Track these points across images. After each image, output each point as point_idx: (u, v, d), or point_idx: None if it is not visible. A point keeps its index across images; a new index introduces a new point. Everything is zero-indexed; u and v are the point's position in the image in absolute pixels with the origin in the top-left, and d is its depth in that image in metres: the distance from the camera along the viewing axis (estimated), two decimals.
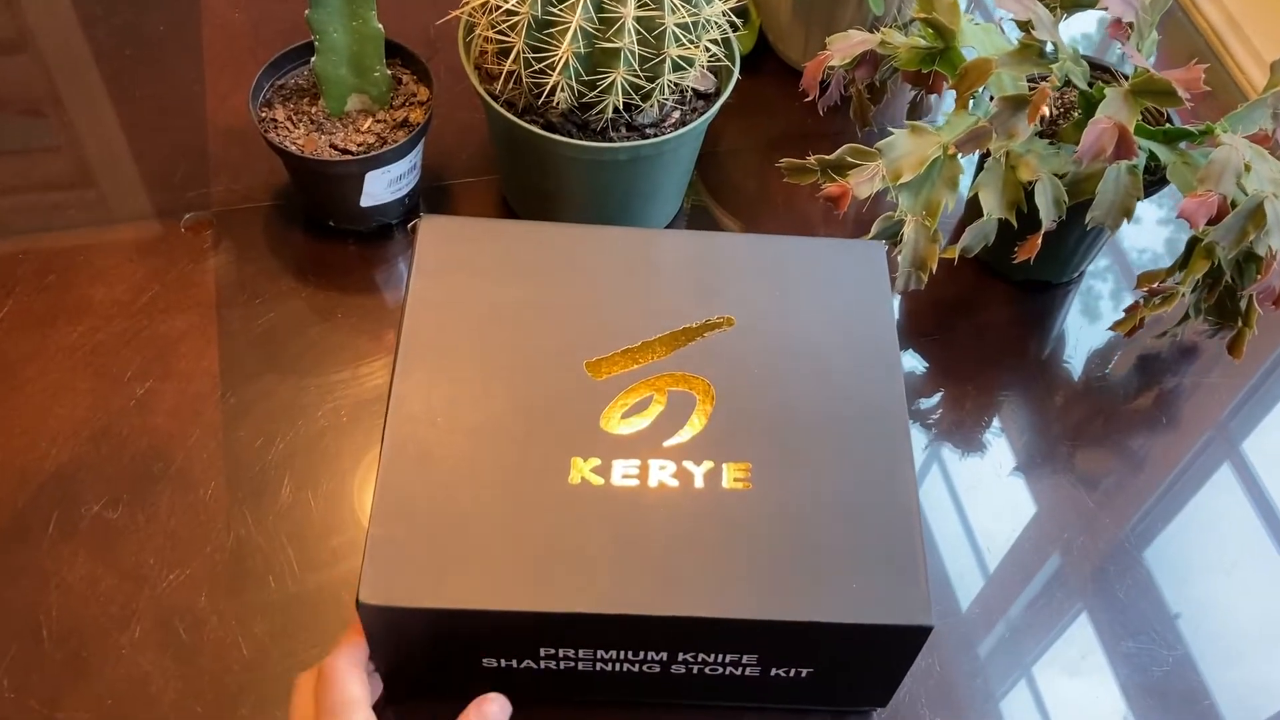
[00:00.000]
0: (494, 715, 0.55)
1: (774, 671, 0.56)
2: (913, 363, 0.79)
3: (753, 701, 0.61)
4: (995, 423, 0.76)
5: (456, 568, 0.52)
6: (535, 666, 0.56)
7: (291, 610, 0.64)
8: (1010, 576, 0.69)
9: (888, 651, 0.55)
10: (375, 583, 0.51)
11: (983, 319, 0.81)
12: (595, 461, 0.55)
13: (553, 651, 0.54)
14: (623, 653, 0.54)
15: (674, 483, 0.55)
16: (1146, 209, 0.90)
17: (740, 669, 0.56)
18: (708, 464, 0.56)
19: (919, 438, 0.75)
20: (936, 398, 0.78)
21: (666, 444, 0.56)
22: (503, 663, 0.55)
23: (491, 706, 0.55)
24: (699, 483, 0.55)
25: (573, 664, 0.55)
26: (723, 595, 0.52)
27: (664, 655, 0.55)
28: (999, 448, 0.75)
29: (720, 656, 0.55)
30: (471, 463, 0.55)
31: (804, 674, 0.56)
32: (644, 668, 0.56)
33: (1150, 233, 0.89)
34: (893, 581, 0.53)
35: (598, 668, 0.56)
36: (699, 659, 0.55)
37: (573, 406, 0.57)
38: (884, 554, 0.53)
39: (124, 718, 0.60)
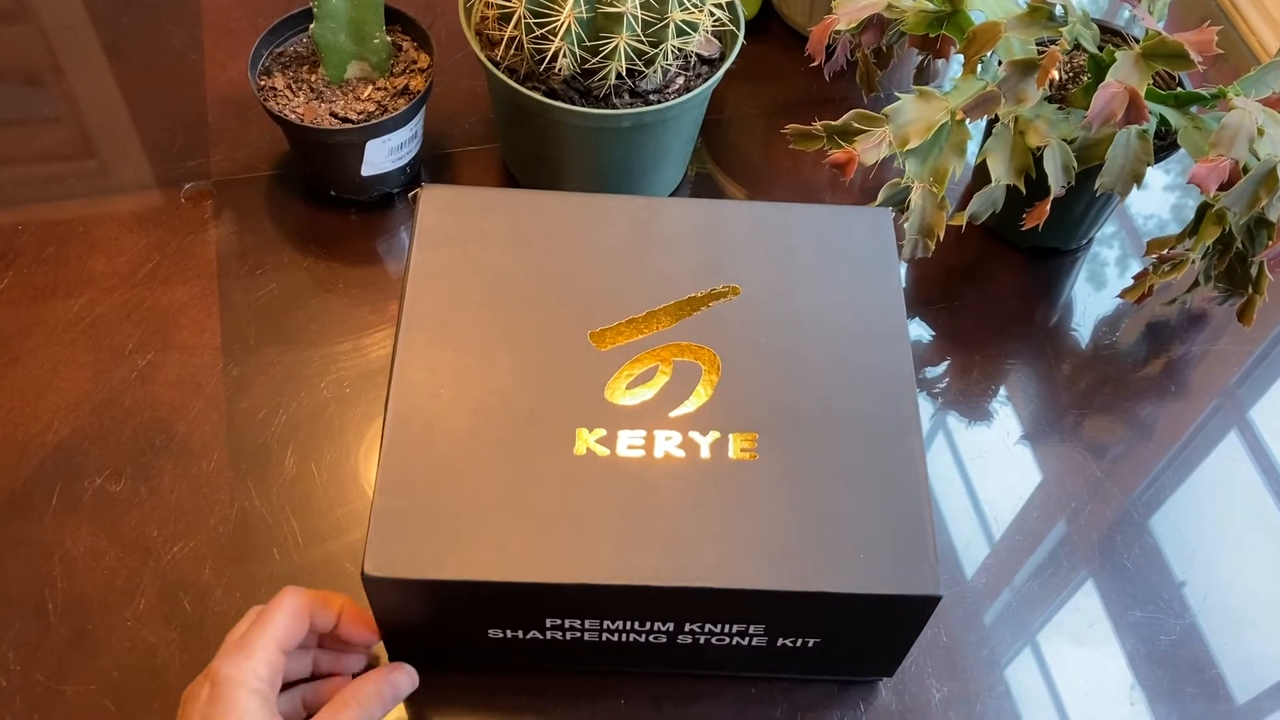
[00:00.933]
0: (402, 684, 0.55)
1: (781, 642, 0.56)
2: (919, 331, 0.78)
3: (759, 671, 0.61)
4: (1002, 391, 0.76)
5: (462, 540, 0.51)
6: (541, 637, 0.55)
7: (296, 581, 0.63)
8: (1017, 546, 0.69)
9: (895, 622, 0.55)
10: (380, 555, 0.51)
11: (990, 287, 0.81)
12: (600, 432, 0.55)
13: (559, 622, 0.54)
14: (629, 623, 0.54)
15: (680, 453, 0.54)
16: (1154, 174, 0.89)
17: (747, 639, 0.55)
18: (714, 434, 0.55)
19: (925, 406, 0.75)
20: (943, 366, 0.77)
21: (672, 414, 0.56)
22: (508, 634, 0.55)
23: (399, 675, 0.55)
24: (705, 453, 0.55)
25: (579, 634, 0.55)
26: (730, 566, 0.51)
27: (670, 626, 0.54)
28: (1006, 416, 0.75)
29: (727, 627, 0.54)
30: (476, 434, 0.54)
31: (811, 644, 0.56)
32: (650, 638, 0.55)
33: (1158, 199, 0.88)
34: (901, 551, 0.52)
35: (604, 639, 0.55)
36: (705, 629, 0.55)
37: (577, 377, 0.56)
38: (892, 524, 0.53)
39: (130, 690, 0.60)
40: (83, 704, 0.60)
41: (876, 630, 0.56)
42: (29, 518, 0.65)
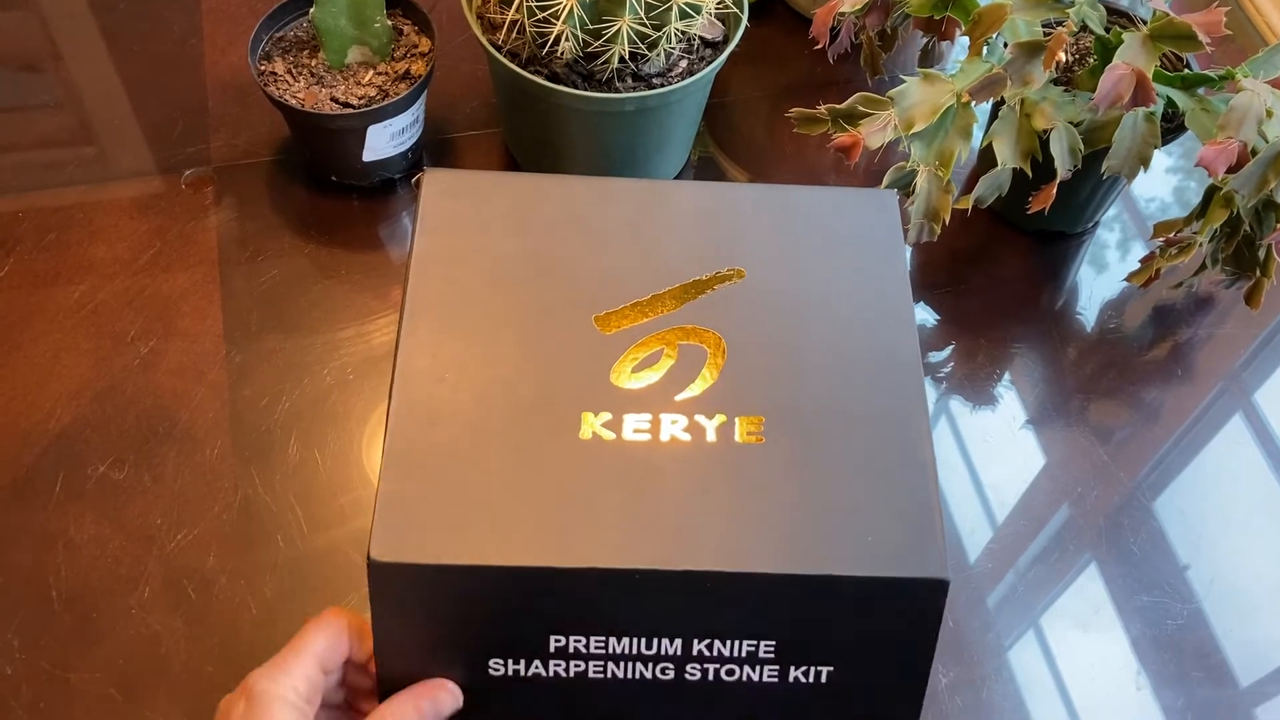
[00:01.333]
0: (445, 703, 0.53)
1: (793, 674, 0.55)
2: (924, 315, 0.78)
3: None
4: (1007, 375, 0.75)
5: (468, 524, 0.51)
6: (544, 673, 0.54)
7: (300, 569, 0.64)
8: (1022, 530, 0.69)
9: (906, 624, 0.54)
10: (386, 541, 0.50)
11: (995, 270, 0.80)
12: (606, 416, 0.54)
13: (562, 644, 0.53)
14: (635, 644, 0.53)
15: (686, 437, 0.54)
16: (1155, 156, 0.89)
17: (757, 669, 0.54)
18: (720, 418, 0.55)
19: (929, 391, 0.74)
20: (948, 350, 0.77)
21: (678, 398, 0.55)
22: (510, 668, 0.54)
23: (443, 694, 0.53)
24: (711, 437, 0.54)
25: (582, 666, 0.54)
26: (737, 549, 0.51)
27: (678, 647, 0.53)
28: (1011, 400, 0.74)
29: (736, 649, 0.54)
30: (481, 419, 0.54)
31: (824, 676, 0.55)
32: (657, 670, 0.54)
33: (1160, 181, 0.88)
34: (908, 535, 0.52)
35: (609, 671, 0.54)
36: (714, 651, 0.54)
37: (582, 361, 0.56)
38: (899, 507, 0.53)
39: (135, 679, 0.60)
40: (88, 691, 0.60)
41: (888, 643, 0.55)
42: (32, 506, 0.65)
